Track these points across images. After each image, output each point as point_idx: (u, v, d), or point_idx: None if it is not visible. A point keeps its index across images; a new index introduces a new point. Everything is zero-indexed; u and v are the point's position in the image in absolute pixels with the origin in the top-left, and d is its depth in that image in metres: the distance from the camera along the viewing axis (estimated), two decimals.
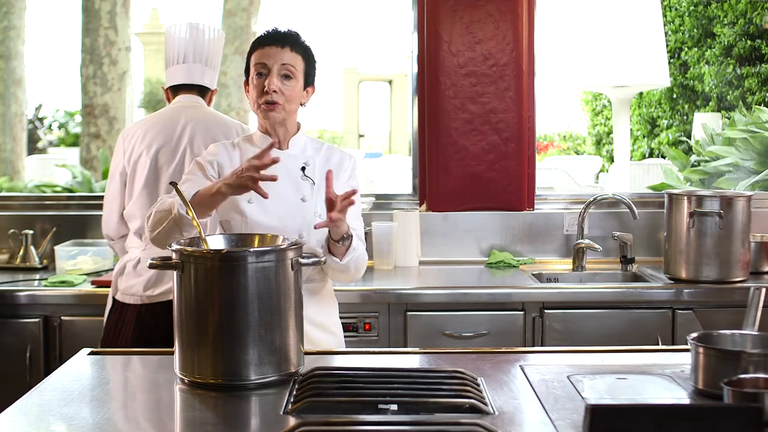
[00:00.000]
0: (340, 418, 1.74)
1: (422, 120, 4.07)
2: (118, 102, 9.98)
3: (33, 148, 15.07)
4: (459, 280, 3.64)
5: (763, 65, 10.54)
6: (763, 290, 2.14)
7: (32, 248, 3.90)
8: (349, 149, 18.28)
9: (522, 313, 3.39)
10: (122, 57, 10.08)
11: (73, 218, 4.08)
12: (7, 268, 3.88)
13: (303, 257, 2.05)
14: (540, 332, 3.38)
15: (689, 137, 10.02)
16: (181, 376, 2.01)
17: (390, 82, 20.06)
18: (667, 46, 8.25)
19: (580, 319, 3.38)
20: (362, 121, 20.40)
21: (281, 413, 1.80)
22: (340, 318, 3.36)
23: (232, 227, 2.49)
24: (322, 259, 2.11)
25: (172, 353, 2.06)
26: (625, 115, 6.31)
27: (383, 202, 4.13)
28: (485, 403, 1.82)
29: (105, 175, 7.74)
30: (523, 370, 2.12)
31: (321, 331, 2.54)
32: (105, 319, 3.13)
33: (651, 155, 11.70)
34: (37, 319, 3.38)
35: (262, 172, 2.21)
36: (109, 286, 3.41)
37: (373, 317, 3.38)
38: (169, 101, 3.25)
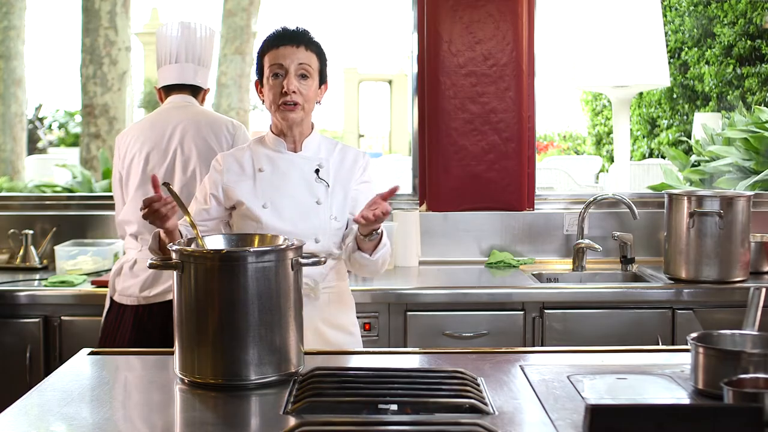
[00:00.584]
0: (340, 418, 1.74)
1: (422, 120, 4.07)
2: (118, 102, 9.98)
3: (33, 148, 15.07)
4: (459, 280, 3.64)
5: (763, 65, 10.54)
6: (763, 290, 2.14)
7: (32, 248, 3.90)
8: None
9: (522, 313, 3.39)
10: (122, 57, 10.08)
11: (73, 218, 4.08)
12: (7, 268, 3.88)
13: (303, 257, 2.05)
14: (540, 332, 3.38)
15: (689, 137, 10.02)
16: (181, 376, 2.01)
17: (390, 82, 20.05)
18: (667, 46, 8.25)
19: (580, 319, 3.38)
20: (362, 121, 20.39)
21: (281, 413, 1.80)
22: None
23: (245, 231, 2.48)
24: (322, 258, 2.11)
25: (172, 353, 2.06)
26: (625, 115, 6.32)
27: None
28: (485, 403, 1.82)
29: (105, 175, 7.74)
30: (523, 370, 2.12)
31: (339, 332, 2.54)
32: (102, 319, 3.13)
33: (651, 155, 11.70)
34: (37, 319, 3.38)
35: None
36: (107, 287, 3.41)
37: (373, 317, 3.37)
38: (162, 101, 3.25)
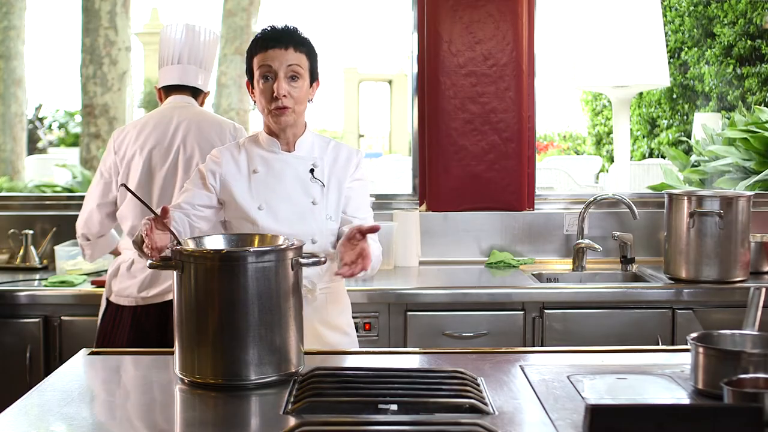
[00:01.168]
0: (340, 418, 1.74)
1: (422, 120, 4.07)
2: (118, 102, 9.98)
3: (33, 148, 15.07)
4: (459, 280, 3.64)
5: (763, 65, 10.54)
6: (763, 290, 2.14)
7: (32, 248, 3.90)
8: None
9: (522, 313, 3.39)
10: (122, 57, 10.08)
11: (73, 218, 4.04)
12: (7, 268, 3.88)
13: (303, 257, 2.05)
14: (540, 332, 3.38)
15: (689, 137, 10.02)
16: (181, 376, 2.01)
17: (390, 82, 20.05)
18: (667, 46, 8.25)
19: (580, 319, 3.38)
20: (362, 121, 20.39)
21: (281, 413, 1.80)
22: None
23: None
24: (322, 258, 2.11)
25: (172, 353, 2.06)
26: (625, 115, 6.32)
27: (383, 202, 4.12)
28: (485, 403, 1.82)
29: None
30: (523, 370, 2.12)
31: (336, 333, 2.54)
32: (99, 320, 3.12)
33: (651, 155, 11.71)
34: (37, 319, 3.38)
35: None
36: None
37: (373, 317, 3.37)
38: (161, 101, 3.25)
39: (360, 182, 2.58)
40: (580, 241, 3.91)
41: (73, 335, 3.36)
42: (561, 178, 8.41)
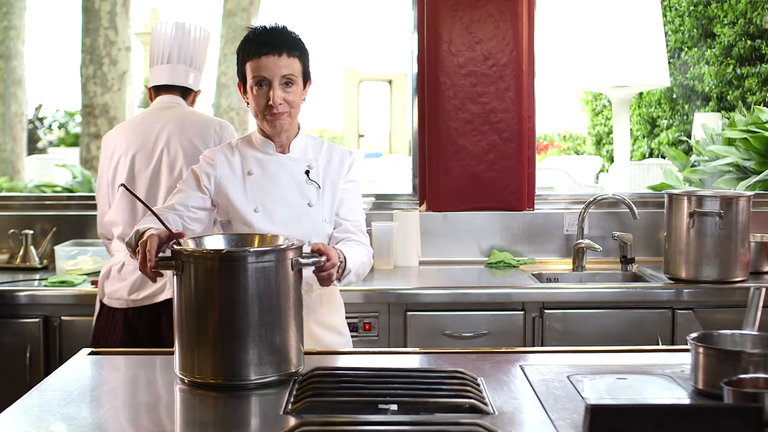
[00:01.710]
0: (340, 418, 1.74)
1: (422, 120, 4.07)
2: (118, 102, 9.97)
3: (33, 148, 15.07)
4: (459, 280, 3.64)
5: (763, 65, 10.54)
6: (763, 290, 2.14)
7: (32, 248, 3.90)
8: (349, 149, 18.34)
9: (522, 313, 3.39)
10: (122, 57, 10.08)
11: (73, 218, 4.08)
12: (7, 268, 3.88)
13: (303, 257, 2.05)
14: (540, 332, 3.38)
15: (689, 137, 10.02)
16: (181, 376, 2.01)
17: (390, 82, 20.04)
18: (667, 46, 8.25)
19: (580, 319, 3.38)
20: (362, 121, 20.39)
21: (281, 413, 1.80)
22: None
23: None
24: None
25: (172, 353, 2.06)
26: (625, 115, 6.32)
27: (383, 202, 4.12)
28: (485, 403, 1.82)
29: None
30: (523, 370, 2.12)
31: (331, 333, 2.54)
32: (93, 322, 3.12)
33: (651, 155, 11.70)
34: (37, 319, 3.37)
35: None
36: None
37: (373, 317, 3.37)
38: (151, 100, 3.24)
39: (353, 183, 2.58)
40: (580, 241, 3.91)
41: (73, 335, 3.36)
42: (561, 178, 8.41)
